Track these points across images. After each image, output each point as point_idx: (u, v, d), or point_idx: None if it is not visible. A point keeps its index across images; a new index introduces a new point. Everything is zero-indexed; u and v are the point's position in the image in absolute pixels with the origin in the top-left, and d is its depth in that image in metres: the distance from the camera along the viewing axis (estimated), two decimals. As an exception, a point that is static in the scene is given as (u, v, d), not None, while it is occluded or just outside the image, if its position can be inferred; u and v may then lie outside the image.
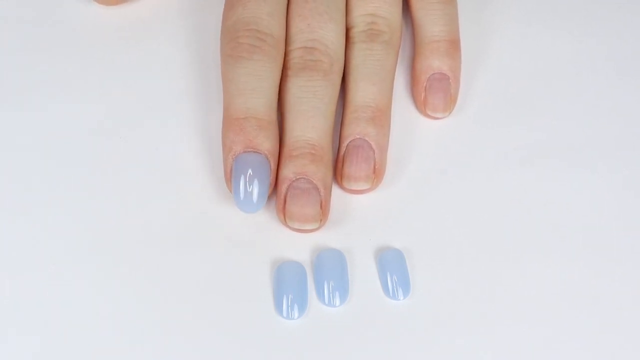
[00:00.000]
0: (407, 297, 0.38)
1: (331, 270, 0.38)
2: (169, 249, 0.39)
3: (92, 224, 0.40)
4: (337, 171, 0.41)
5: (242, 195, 0.39)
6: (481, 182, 0.41)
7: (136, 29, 0.46)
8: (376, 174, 0.40)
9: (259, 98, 0.40)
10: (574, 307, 0.38)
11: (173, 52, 0.45)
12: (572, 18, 0.47)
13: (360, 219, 0.40)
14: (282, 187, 0.39)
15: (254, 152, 0.39)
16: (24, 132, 0.42)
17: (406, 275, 0.38)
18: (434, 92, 0.43)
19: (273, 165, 0.39)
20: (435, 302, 0.38)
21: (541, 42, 0.46)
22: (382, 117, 0.41)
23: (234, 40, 0.41)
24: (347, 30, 0.43)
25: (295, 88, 0.40)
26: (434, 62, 0.43)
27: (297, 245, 0.39)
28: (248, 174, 0.39)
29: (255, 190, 0.39)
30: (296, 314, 0.37)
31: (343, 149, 0.40)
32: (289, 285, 0.38)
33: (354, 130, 0.40)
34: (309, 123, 0.40)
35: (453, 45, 0.43)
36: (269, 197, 0.40)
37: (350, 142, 0.40)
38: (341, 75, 0.42)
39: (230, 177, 0.39)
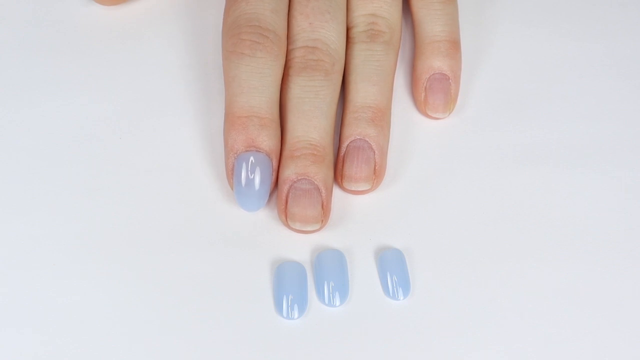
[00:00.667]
0: (407, 297, 0.38)
1: (331, 270, 0.38)
2: (169, 249, 0.39)
3: (92, 224, 0.40)
4: (337, 172, 0.41)
5: (243, 193, 0.39)
6: (481, 182, 0.41)
7: (135, 28, 0.46)
8: (376, 175, 0.40)
9: (261, 96, 0.40)
10: (574, 307, 0.38)
11: (172, 51, 0.45)
12: (573, 19, 0.47)
13: (360, 219, 0.40)
14: (284, 188, 0.39)
15: (256, 150, 0.39)
16: (24, 132, 0.42)
17: (406, 275, 0.38)
18: (434, 92, 0.43)
19: (275, 164, 0.39)
20: (435, 302, 0.38)
21: (542, 43, 0.46)
22: (382, 117, 0.41)
23: (236, 36, 0.40)
24: (347, 30, 0.43)
25: (297, 87, 0.40)
26: (434, 62, 0.43)
27: (297, 245, 0.39)
28: (250, 172, 0.39)
29: (257, 188, 0.39)
30: (296, 314, 0.37)
31: (343, 150, 0.40)
32: (289, 285, 0.38)
33: (355, 130, 0.40)
34: (311, 123, 0.40)
35: (454, 45, 0.43)
36: (270, 197, 0.40)
37: (350, 142, 0.40)
38: (342, 75, 0.42)
39: (232, 175, 0.39)
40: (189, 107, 0.43)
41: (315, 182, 0.39)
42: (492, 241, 0.40)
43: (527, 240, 0.40)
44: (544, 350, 0.37)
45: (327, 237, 0.40)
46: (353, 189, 0.40)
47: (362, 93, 0.41)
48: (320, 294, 0.38)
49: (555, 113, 0.43)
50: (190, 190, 0.41)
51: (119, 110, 0.43)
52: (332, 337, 0.37)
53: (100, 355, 0.36)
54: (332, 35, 0.41)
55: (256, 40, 0.40)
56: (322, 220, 0.39)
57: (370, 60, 0.42)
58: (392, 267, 0.38)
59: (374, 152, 0.40)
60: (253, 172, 0.39)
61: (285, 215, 0.39)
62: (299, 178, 0.39)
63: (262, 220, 0.40)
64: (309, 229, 0.39)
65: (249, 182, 0.39)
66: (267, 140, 0.39)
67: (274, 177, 0.39)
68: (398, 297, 0.38)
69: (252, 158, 0.39)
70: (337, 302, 0.38)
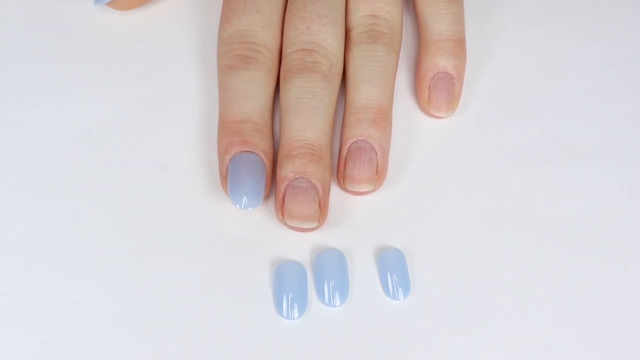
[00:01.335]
0: (407, 297, 0.38)
1: (331, 270, 0.38)
2: (170, 249, 0.39)
3: (92, 224, 0.40)
4: (339, 173, 0.41)
5: (237, 192, 0.39)
6: (482, 182, 0.41)
7: (135, 29, 0.46)
8: (378, 176, 0.40)
9: (254, 104, 0.40)
10: (574, 307, 0.38)
11: (172, 52, 0.45)
12: (573, 19, 0.47)
13: (360, 219, 0.40)
14: (281, 187, 0.39)
15: (249, 151, 0.39)
16: (24, 132, 0.42)
17: (406, 275, 0.38)
18: (438, 91, 0.43)
19: (268, 166, 0.39)
20: (435, 302, 0.38)
21: (544, 43, 0.46)
22: (383, 118, 0.41)
23: (230, 52, 0.41)
24: (348, 32, 0.43)
25: (295, 89, 0.41)
26: (439, 61, 0.43)
27: (297, 245, 0.39)
28: (244, 171, 0.39)
29: (250, 184, 0.39)
30: (296, 314, 0.38)
31: (345, 151, 0.40)
32: (289, 285, 0.38)
33: (356, 132, 0.40)
34: (308, 123, 0.40)
35: (459, 44, 0.43)
36: (268, 197, 0.40)
37: (352, 143, 0.40)
38: (340, 77, 0.42)
39: (226, 177, 0.39)
40: (189, 108, 0.43)
41: (312, 180, 0.39)
42: (492, 241, 0.40)
43: (528, 240, 0.40)
44: (544, 350, 0.37)
45: (327, 237, 0.40)
46: (355, 190, 0.40)
47: (363, 94, 0.41)
48: (320, 293, 0.38)
49: (556, 113, 0.43)
50: (190, 191, 0.41)
51: (119, 110, 0.43)
52: (332, 337, 0.37)
53: (101, 355, 0.36)
54: (329, 38, 0.41)
55: (249, 55, 0.41)
56: (320, 219, 0.39)
57: (372, 61, 0.42)
58: (392, 267, 0.38)
59: (376, 153, 0.40)
60: (246, 169, 0.39)
61: (282, 213, 0.39)
62: (296, 177, 0.39)
63: (262, 220, 0.40)
64: (306, 226, 0.39)
65: (243, 179, 0.38)
66: (260, 142, 0.39)
67: (268, 177, 0.39)
68: (398, 297, 0.38)
69: (245, 157, 0.39)
70: (337, 302, 0.38)
